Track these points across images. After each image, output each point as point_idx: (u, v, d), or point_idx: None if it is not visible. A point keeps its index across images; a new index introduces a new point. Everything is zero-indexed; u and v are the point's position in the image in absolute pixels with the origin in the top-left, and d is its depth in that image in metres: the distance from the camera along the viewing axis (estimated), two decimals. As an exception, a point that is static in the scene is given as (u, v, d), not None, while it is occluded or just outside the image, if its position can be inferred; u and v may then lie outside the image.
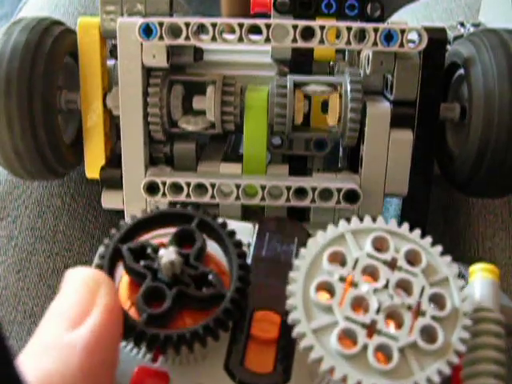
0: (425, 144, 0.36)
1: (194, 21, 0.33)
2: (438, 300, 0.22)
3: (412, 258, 0.23)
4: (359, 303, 0.22)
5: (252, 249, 0.28)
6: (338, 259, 0.23)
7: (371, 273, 0.23)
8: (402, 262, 0.23)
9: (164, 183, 0.35)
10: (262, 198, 0.35)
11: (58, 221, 0.43)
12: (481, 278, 0.25)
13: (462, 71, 0.37)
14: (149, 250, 0.24)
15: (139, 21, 0.33)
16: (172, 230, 0.25)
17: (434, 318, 0.22)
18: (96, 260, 0.24)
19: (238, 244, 0.24)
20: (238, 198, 0.35)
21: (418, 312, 0.22)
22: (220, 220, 0.25)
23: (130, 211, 0.37)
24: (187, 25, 0.33)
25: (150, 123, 0.35)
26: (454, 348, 0.21)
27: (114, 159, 0.38)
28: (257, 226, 0.29)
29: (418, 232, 0.24)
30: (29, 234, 0.42)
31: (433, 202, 0.38)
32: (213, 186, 0.35)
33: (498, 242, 0.42)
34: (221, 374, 0.24)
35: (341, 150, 0.41)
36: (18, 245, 0.42)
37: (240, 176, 0.36)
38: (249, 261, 0.26)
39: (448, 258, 0.24)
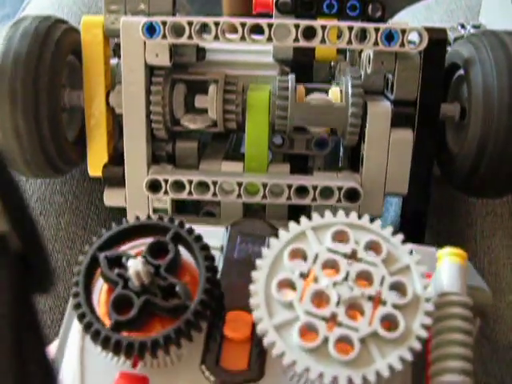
0: (425, 143, 0.36)
1: (197, 20, 0.33)
2: (399, 288, 0.23)
3: (373, 249, 0.24)
4: (320, 297, 0.23)
5: (224, 251, 0.28)
6: (300, 256, 0.24)
7: (332, 266, 0.24)
8: (361, 254, 0.24)
9: (166, 181, 0.35)
10: (264, 196, 0.35)
11: (60, 218, 0.43)
12: (448, 262, 0.26)
13: (461, 72, 0.37)
14: (124, 260, 0.25)
15: (143, 20, 0.34)
16: (151, 240, 0.26)
17: (395, 306, 0.22)
18: (75, 267, 0.25)
19: (208, 257, 0.25)
20: (239, 195, 0.35)
21: (380, 301, 0.23)
22: (195, 233, 0.26)
23: (131, 209, 0.37)
24: (190, 24, 0.33)
25: (153, 121, 0.36)
26: (416, 334, 0.22)
27: (116, 157, 0.38)
28: (229, 229, 0.29)
29: (378, 222, 0.25)
30: None
31: (433, 202, 0.38)
32: (215, 183, 0.35)
33: (497, 241, 0.42)
34: (197, 375, 0.25)
35: (341, 149, 0.41)
36: None
37: (242, 174, 0.36)
38: (220, 264, 0.28)
39: (409, 246, 0.24)
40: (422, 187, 0.37)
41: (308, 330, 0.22)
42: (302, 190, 0.35)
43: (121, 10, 0.36)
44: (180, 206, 0.39)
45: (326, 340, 0.22)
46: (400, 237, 0.24)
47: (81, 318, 0.24)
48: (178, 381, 0.25)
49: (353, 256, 0.24)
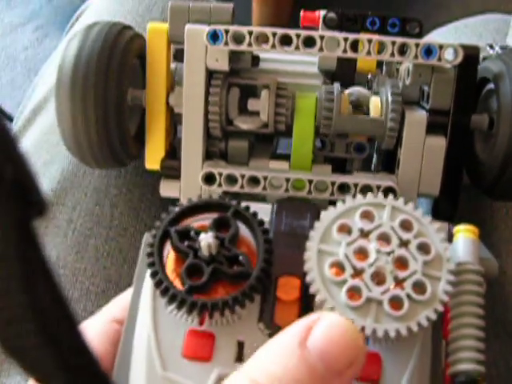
0: (456, 149, 0.39)
1: (256, 29, 0.37)
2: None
3: (422, 248, 0.28)
4: (363, 253, 0.27)
5: (272, 225, 0.33)
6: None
7: (385, 241, 0.28)
8: (412, 246, 0.28)
9: (220, 174, 0.38)
10: (309, 192, 0.38)
11: (114, 209, 0.47)
12: (463, 237, 0.31)
13: (491, 86, 0.40)
14: (192, 233, 0.29)
15: (206, 28, 0.37)
16: (212, 215, 0.30)
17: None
18: (148, 238, 0.30)
19: (265, 231, 0.30)
20: (286, 190, 0.38)
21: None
22: (252, 210, 0.30)
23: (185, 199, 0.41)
24: (250, 33, 0.37)
25: (210, 120, 0.39)
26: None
27: (171, 153, 0.42)
28: (275, 206, 0.34)
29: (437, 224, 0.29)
30: (87, 219, 0.46)
31: (461, 206, 0.41)
32: (265, 178, 0.38)
33: None
34: (256, 330, 0.29)
35: (375, 156, 0.45)
36: (77, 228, 0.46)
37: (288, 171, 0.40)
38: (270, 235, 0.31)
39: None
40: (453, 190, 0.40)
41: (339, 268, 0.27)
42: (343, 188, 0.39)
43: (185, 19, 0.40)
44: None
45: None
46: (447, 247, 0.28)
47: (158, 284, 0.28)
48: (239, 335, 0.29)
49: (405, 243, 0.28)
